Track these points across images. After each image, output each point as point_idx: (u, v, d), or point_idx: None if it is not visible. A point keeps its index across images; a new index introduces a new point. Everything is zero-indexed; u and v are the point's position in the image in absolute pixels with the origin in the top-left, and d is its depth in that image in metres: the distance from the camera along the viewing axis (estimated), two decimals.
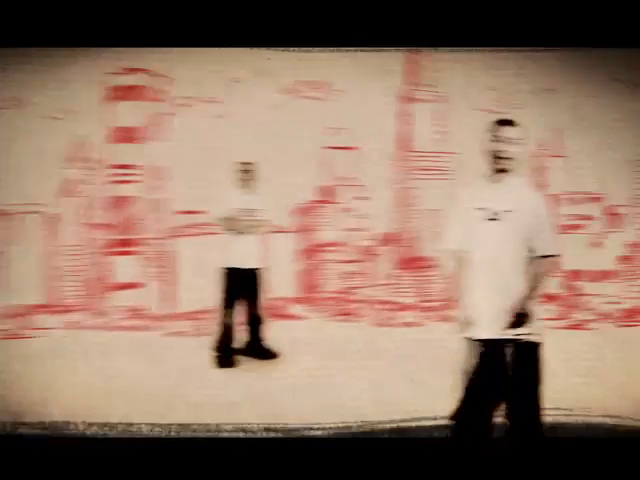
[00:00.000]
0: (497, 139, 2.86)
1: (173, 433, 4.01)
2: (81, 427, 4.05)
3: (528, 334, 2.81)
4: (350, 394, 4.47)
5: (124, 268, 6.06)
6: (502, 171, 2.87)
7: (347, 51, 5.96)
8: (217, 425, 4.06)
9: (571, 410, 4.23)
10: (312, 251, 6.17)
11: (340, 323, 5.90)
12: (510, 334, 2.78)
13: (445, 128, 6.17)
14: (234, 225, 4.95)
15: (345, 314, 6.00)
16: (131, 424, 4.06)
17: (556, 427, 4.07)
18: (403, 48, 6.01)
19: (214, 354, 5.04)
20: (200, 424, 4.07)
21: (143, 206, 6.11)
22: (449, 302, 5.82)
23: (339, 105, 6.10)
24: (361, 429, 3.99)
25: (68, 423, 4.07)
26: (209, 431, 4.02)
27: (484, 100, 5.95)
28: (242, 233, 4.95)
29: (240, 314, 5.12)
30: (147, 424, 4.06)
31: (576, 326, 5.69)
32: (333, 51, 5.95)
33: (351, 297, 6.13)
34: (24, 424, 4.08)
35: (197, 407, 4.28)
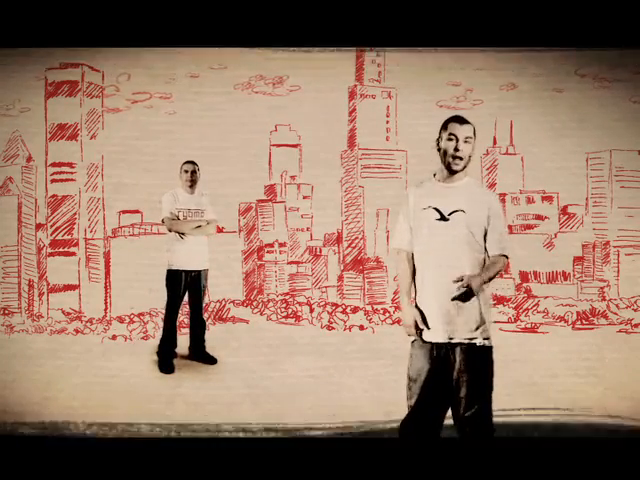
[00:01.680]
0: (452, 136, 2.81)
1: (173, 433, 4.01)
2: (81, 427, 4.05)
3: (483, 338, 2.78)
4: (350, 394, 4.48)
5: (62, 269, 5.96)
6: (453, 171, 2.83)
7: (303, 50, 5.86)
8: (217, 425, 4.06)
9: (571, 410, 4.23)
10: (257, 252, 6.09)
11: (285, 325, 5.81)
12: (453, 301, 2.74)
13: (395, 126, 6.11)
14: (179, 226, 4.90)
15: (291, 316, 5.90)
16: (131, 424, 4.06)
17: (556, 427, 4.08)
18: (355, 47, 5.93)
19: (157, 358, 5.01)
20: (200, 424, 4.07)
21: (81, 205, 6.00)
22: (398, 305, 5.79)
23: (289, 102, 5.99)
24: (361, 429, 3.99)
25: (68, 423, 4.08)
26: (209, 431, 4.02)
27: (436, 98, 5.88)
28: (187, 234, 4.90)
29: (183, 317, 5.12)
30: (147, 424, 4.06)
31: (529, 329, 5.65)
32: (288, 50, 5.86)
33: (297, 299, 6.04)
34: (24, 424, 4.08)
35: (197, 407, 4.28)
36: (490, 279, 2.80)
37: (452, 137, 2.81)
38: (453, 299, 2.74)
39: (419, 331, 2.87)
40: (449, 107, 5.83)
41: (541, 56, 5.77)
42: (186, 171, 4.98)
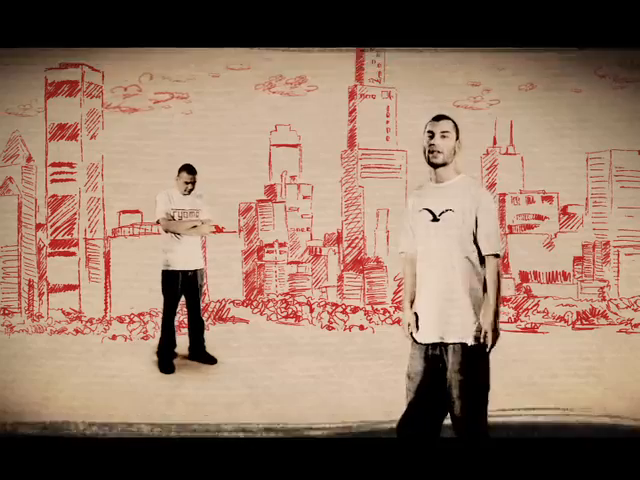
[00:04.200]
0: (429, 133, 2.86)
1: (173, 433, 4.02)
2: (81, 427, 4.06)
3: (475, 338, 2.79)
4: (350, 394, 4.48)
5: (62, 269, 5.95)
6: (434, 165, 2.86)
7: (303, 50, 5.85)
8: (217, 425, 4.06)
9: (571, 410, 4.24)
10: (257, 252, 6.08)
11: (285, 325, 5.81)
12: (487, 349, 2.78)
13: (395, 126, 6.10)
14: (174, 226, 4.91)
15: (291, 316, 5.89)
16: (131, 424, 4.07)
17: (556, 427, 4.08)
18: (355, 47, 5.92)
19: (157, 358, 5.01)
20: (200, 424, 4.08)
21: (81, 205, 6.00)
22: (399, 304, 5.80)
23: (289, 102, 5.98)
24: (361, 429, 3.99)
25: (68, 423, 4.08)
26: (209, 431, 4.03)
27: (436, 97, 5.85)
28: (183, 234, 4.91)
29: (182, 317, 5.13)
30: (147, 424, 4.07)
31: (529, 329, 5.66)
32: (288, 50, 5.85)
33: (297, 299, 6.04)
34: (24, 424, 4.08)
35: (197, 407, 4.29)
36: (498, 300, 2.81)
37: (429, 133, 2.86)
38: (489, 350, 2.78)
39: (415, 331, 2.88)
40: (466, 107, 5.83)
41: (560, 56, 5.76)
42: (186, 182, 4.96)
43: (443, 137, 2.84)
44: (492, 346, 2.78)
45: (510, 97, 5.87)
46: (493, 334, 2.76)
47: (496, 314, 2.79)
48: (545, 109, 5.83)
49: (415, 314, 2.90)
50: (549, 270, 5.95)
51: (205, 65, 5.87)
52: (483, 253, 2.82)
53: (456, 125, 2.90)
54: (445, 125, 2.86)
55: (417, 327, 2.88)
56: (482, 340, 2.77)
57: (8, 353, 5.24)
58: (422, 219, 2.88)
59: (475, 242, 2.82)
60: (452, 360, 2.79)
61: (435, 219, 2.85)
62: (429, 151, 2.85)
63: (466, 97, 5.90)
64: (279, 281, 6.06)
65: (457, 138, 2.88)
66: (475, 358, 2.80)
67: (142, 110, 5.89)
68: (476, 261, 2.83)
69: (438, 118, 2.89)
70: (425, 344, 2.85)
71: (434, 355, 2.83)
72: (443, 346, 2.81)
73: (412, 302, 2.96)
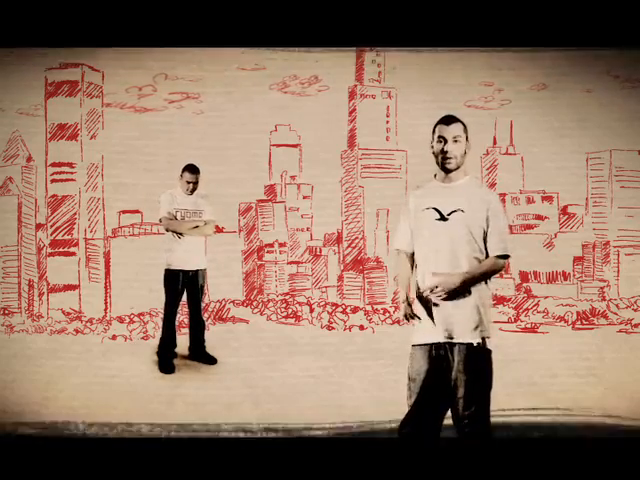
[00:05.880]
0: (440, 138, 2.84)
1: (173, 433, 4.01)
2: (81, 427, 4.05)
3: (481, 338, 2.79)
4: (350, 394, 4.48)
5: (62, 269, 5.92)
6: (448, 170, 2.86)
7: (303, 50, 5.85)
8: (217, 425, 4.06)
9: (571, 410, 4.24)
10: (257, 252, 6.07)
11: (285, 325, 5.80)
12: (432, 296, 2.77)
13: (395, 126, 6.10)
14: (176, 226, 4.93)
15: (291, 316, 5.88)
16: (131, 424, 4.07)
17: (556, 427, 4.08)
18: (355, 47, 5.92)
19: (157, 358, 5.02)
20: (200, 424, 4.07)
21: (81, 205, 5.99)
22: (398, 304, 5.80)
23: (289, 102, 5.97)
24: (361, 429, 3.99)
25: (68, 423, 4.08)
26: (209, 431, 4.02)
27: (436, 97, 5.85)
28: (185, 234, 4.93)
29: (183, 317, 5.15)
30: (147, 424, 4.07)
31: (529, 329, 5.66)
32: (288, 50, 5.84)
33: (297, 299, 6.03)
34: (24, 424, 4.08)
35: (197, 407, 4.29)
36: (475, 279, 2.79)
37: (441, 139, 2.84)
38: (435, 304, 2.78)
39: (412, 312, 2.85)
40: (477, 107, 5.83)
41: (573, 56, 5.76)
42: (188, 182, 4.97)
43: (455, 142, 2.83)
44: (435, 292, 2.76)
45: (518, 97, 5.86)
46: (445, 285, 2.75)
47: (465, 282, 2.77)
48: (545, 109, 5.83)
49: (410, 305, 2.86)
50: (549, 270, 5.95)
51: (212, 65, 5.88)
52: (493, 254, 2.82)
53: (465, 127, 2.88)
54: (456, 129, 2.84)
55: (418, 316, 2.85)
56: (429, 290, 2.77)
57: (8, 353, 5.24)
58: (427, 218, 2.87)
59: (484, 243, 2.83)
60: (457, 360, 2.79)
61: (443, 218, 2.84)
62: (442, 157, 2.84)
63: (468, 97, 5.90)
64: (279, 281, 6.06)
65: (466, 139, 2.87)
66: (480, 358, 2.80)
67: (156, 110, 5.88)
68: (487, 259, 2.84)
69: (448, 121, 2.86)
70: (428, 344, 2.85)
71: (438, 355, 2.83)
72: (448, 345, 2.81)
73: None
